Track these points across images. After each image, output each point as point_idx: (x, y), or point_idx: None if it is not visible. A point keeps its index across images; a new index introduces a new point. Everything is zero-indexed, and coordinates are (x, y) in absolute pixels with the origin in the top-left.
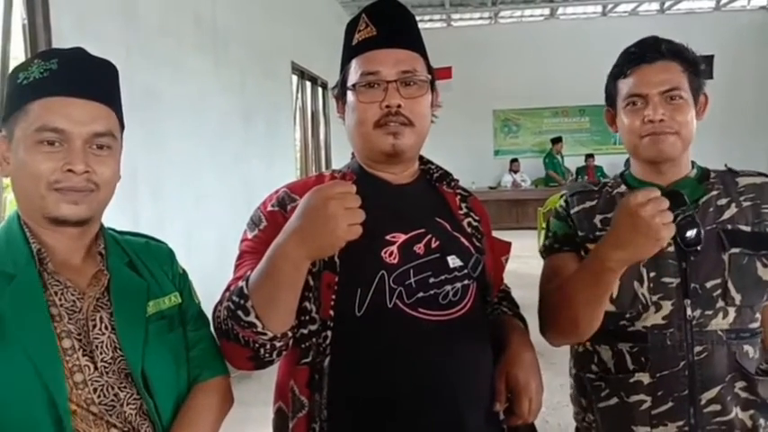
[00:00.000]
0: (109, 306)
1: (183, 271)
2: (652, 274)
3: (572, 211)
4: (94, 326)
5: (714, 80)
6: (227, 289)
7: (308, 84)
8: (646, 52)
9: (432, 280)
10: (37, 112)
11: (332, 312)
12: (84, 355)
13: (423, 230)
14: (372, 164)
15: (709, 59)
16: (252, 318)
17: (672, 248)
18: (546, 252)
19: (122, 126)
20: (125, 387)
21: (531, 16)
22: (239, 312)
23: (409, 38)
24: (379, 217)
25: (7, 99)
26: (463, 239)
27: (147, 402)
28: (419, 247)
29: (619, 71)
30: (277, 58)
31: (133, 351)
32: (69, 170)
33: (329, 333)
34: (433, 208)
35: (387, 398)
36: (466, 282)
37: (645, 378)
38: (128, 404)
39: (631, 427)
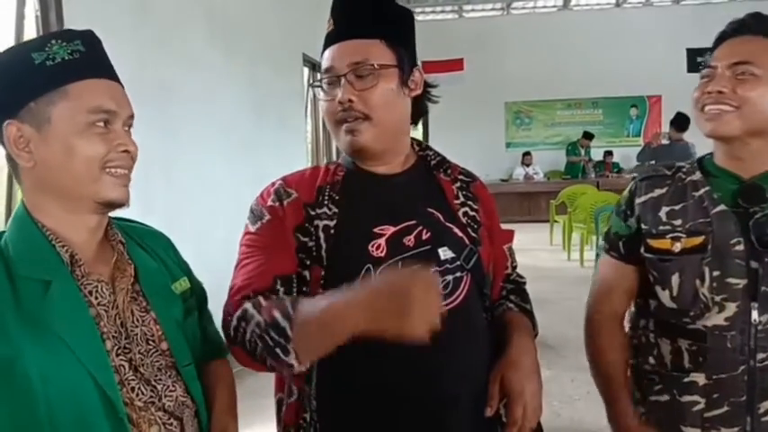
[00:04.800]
0: (137, 298)
1: (181, 256)
2: (716, 273)
3: (637, 201)
4: (128, 319)
5: None
6: (240, 289)
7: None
8: (734, 26)
9: None
10: (83, 93)
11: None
12: (118, 355)
13: (413, 222)
14: (353, 158)
15: None
16: (291, 359)
17: (741, 247)
18: (603, 250)
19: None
20: (160, 379)
21: (545, 7)
22: (278, 350)
23: (365, 26)
24: (368, 210)
25: (17, 83)
26: (457, 230)
27: (193, 388)
28: (409, 240)
29: (711, 52)
30: (288, 50)
31: (177, 339)
32: (125, 151)
33: None
34: (426, 198)
35: (372, 386)
36: (458, 274)
37: (700, 379)
38: (166, 396)
39: (680, 426)
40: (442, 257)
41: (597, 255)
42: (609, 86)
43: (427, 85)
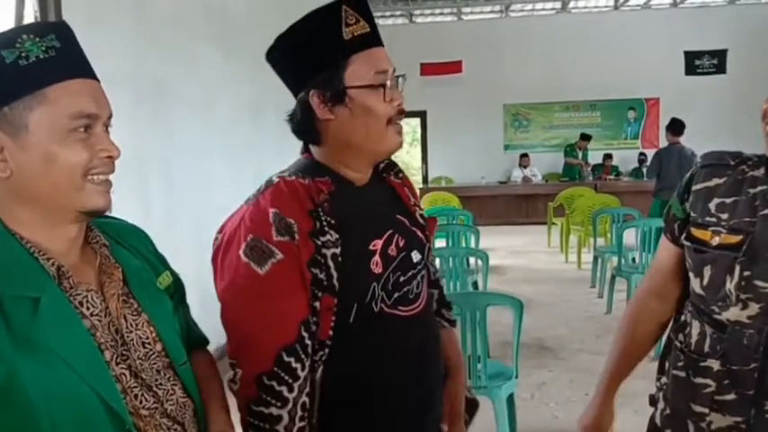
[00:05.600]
0: (127, 300)
1: (156, 248)
2: (746, 273)
3: (694, 187)
4: (122, 325)
5: (727, 74)
6: (266, 347)
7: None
8: None
9: (402, 278)
10: (62, 96)
11: (330, 333)
12: (118, 364)
13: (391, 231)
14: (357, 163)
15: (722, 54)
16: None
17: None
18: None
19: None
20: (161, 384)
21: (543, 9)
22: None
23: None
24: (360, 229)
25: None
26: (419, 232)
27: (191, 386)
28: (392, 249)
29: None
30: None
31: (171, 338)
32: (108, 156)
33: (325, 351)
34: (392, 206)
35: (390, 373)
36: (423, 273)
37: (715, 365)
38: (168, 401)
39: (690, 404)
40: (414, 260)
41: (595, 257)
42: (607, 89)
43: None
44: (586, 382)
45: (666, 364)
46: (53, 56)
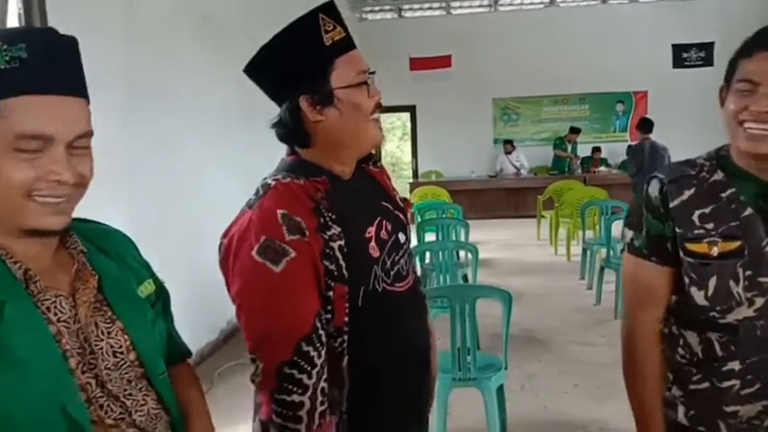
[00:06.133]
0: (100, 308)
1: (140, 254)
2: (748, 273)
3: (671, 205)
4: (92, 332)
5: (714, 67)
6: (285, 337)
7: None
8: None
9: (396, 257)
10: (12, 113)
11: (346, 319)
12: (84, 372)
13: (380, 217)
14: (344, 158)
15: (709, 47)
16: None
17: None
18: (634, 251)
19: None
20: (130, 394)
21: (531, 4)
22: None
23: None
24: (356, 219)
25: None
26: (401, 215)
27: (168, 398)
28: (383, 234)
29: (744, 49)
30: None
31: (148, 347)
32: (56, 180)
33: (345, 337)
34: (376, 194)
35: (396, 346)
36: (408, 251)
37: (736, 365)
38: (137, 411)
39: (722, 407)
40: (401, 241)
41: (584, 249)
42: (595, 82)
43: None
44: (576, 372)
45: (670, 376)
46: (15, 67)
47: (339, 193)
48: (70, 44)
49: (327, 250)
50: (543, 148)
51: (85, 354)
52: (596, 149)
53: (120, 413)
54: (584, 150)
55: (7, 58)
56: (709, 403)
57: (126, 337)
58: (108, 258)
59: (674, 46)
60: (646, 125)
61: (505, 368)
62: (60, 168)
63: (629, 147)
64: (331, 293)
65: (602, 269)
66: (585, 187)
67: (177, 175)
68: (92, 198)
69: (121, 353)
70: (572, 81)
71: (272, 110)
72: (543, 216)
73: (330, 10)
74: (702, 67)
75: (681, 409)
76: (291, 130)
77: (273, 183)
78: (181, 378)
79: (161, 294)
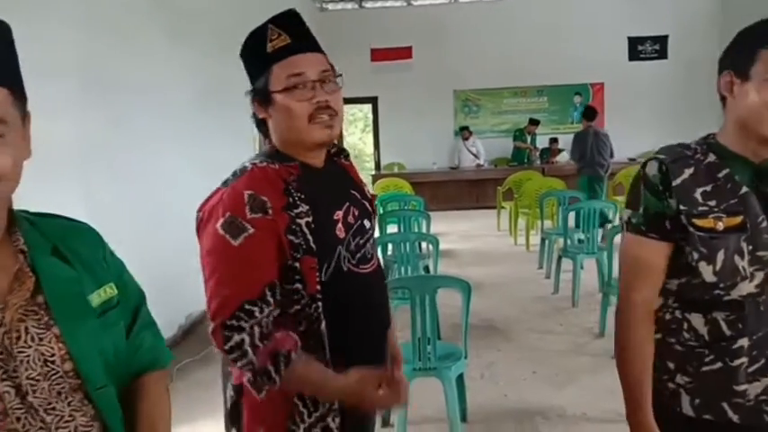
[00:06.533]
0: (37, 312)
1: (113, 253)
2: (749, 248)
3: (674, 183)
4: (18, 338)
5: (668, 60)
6: (229, 304)
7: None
8: None
9: (360, 241)
10: None
11: (318, 287)
12: (2, 380)
13: (348, 203)
14: (301, 152)
15: (663, 40)
16: (276, 386)
17: (765, 224)
18: (632, 229)
19: (23, 97)
20: (53, 409)
21: None
22: (262, 386)
23: (315, 42)
24: (325, 201)
25: None
26: (367, 204)
27: (108, 414)
28: (350, 218)
29: (765, 39)
30: (239, 40)
31: (87, 358)
32: None
33: (319, 303)
34: (346, 182)
35: (361, 333)
36: (372, 237)
37: (745, 342)
38: (59, 428)
39: (732, 386)
40: (367, 227)
41: (542, 239)
42: (554, 74)
43: None
44: (534, 360)
45: (671, 365)
46: None
47: (310, 178)
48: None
49: (293, 226)
50: (503, 139)
51: (9, 361)
52: (554, 140)
53: (39, 428)
54: (542, 142)
55: None
56: (719, 384)
57: (61, 345)
58: (59, 259)
59: (629, 39)
60: (590, 113)
61: (465, 357)
62: None
63: (575, 134)
64: (298, 264)
65: (559, 258)
66: (544, 178)
67: (135, 166)
68: (44, 187)
69: (53, 362)
70: (531, 73)
71: (232, 96)
72: (503, 207)
73: (284, 19)
74: (657, 60)
75: (686, 399)
76: (255, 123)
77: (251, 166)
78: (144, 391)
79: (127, 299)
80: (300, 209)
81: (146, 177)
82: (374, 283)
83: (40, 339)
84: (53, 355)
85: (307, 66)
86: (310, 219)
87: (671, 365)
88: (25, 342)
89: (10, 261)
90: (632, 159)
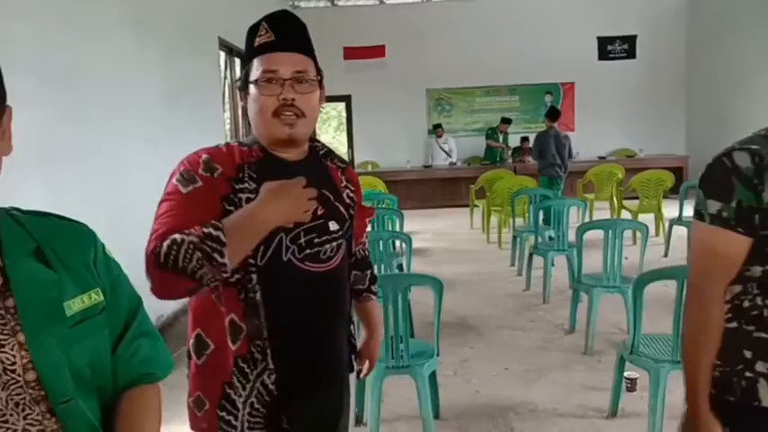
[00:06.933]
0: (3, 316)
1: (109, 256)
2: None
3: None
4: None
5: (637, 59)
6: (165, 232)
7: (237, 60)
8: None
9: (316, 240)
10: None
11: (251, 261)
12: None
13: (314, 199)
14: (272, 146)
15: (632, 40)
16: (225, 260)
17: None
18: (718, 222)
19: (1, 93)
20: (6, 421)
21: None
22: (215, 255)
23: (302, 44)
24: None
25: None
26: (342, 208)
27: (72, 429)
28: (308, 213)
29: None
30: (204, 34)
31: (53, 369)
32: None
33: (253, 276)
34: (321, 181)
35: (294, 322)
36: (339, 242)
37: None
38: None
39: None
40: (331, 229)
41: (514, 237)
42: (525, 74)
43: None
44: (506, 356)
45: (747, 354)
46: None
47: (273, 166)
48: None
49: (233, 196)
50: (476, 138)
51: None
52: (525, 139)
53: None
54: (514, 140)
55: None
56: None
57: (24, 353)
58: (39, 261)
59: (599, 39)
60: (553, 114)
61: (438, 355)
62: None
63: (537, 134)
64: None
65: (530, 256)
66: (516, 176)
67: (99, 162)
68: (7, 188)
69: (14, 371)
70: (503, 72)
71: (198, 90)
72: (476, 205)
73: (276, 18)
74: (626, 59)
75: (764, 389)
76: (242, 111)
77: (224, 143)
78: (128, 406)
79: (118, 306)
80: (245, 185)
81: (113, 177)
82: (325, 284)
83: (1, 346)
84: (13, 364)
85: (282, 64)
86: (252, 196)
87: (748, 354)
88: None
89: None
90: (602, 158)
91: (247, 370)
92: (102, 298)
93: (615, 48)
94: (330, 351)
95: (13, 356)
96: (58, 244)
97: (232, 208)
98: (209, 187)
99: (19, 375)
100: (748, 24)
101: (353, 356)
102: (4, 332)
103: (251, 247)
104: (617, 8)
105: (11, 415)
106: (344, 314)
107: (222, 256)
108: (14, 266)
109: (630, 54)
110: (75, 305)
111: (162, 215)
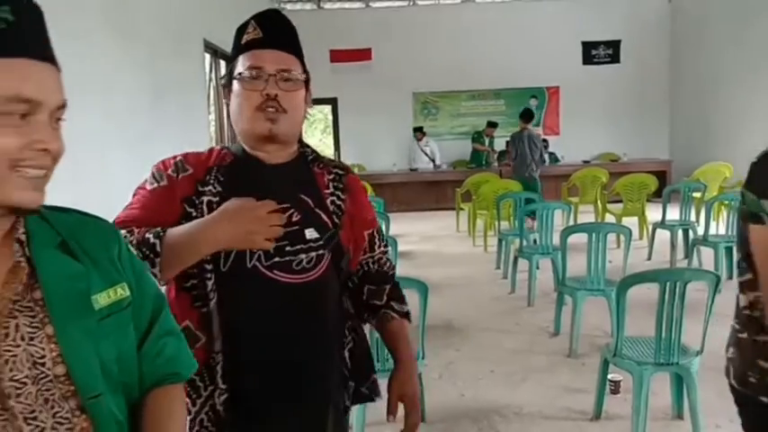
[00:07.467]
0: (32, 308)
1: (131, 253)
2: None
3: None
4: (7, 335)
5: (621, 64)
6: (121, 221)
7: (222, 62)
8: None
9: (288, 248)
10: (1, 73)
11: (207, 266)
12: None
13: (287, 205)
14: (253, 144)
15: (616, 44)
16: (156, 270)
17: None
18: None
19: None
20: (35, 418)
21: None
22: (147, 262)
23: (289, 43)
24: (247, 191)
25: None
26: (323, 215)
27: (103, 425)
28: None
29: None
30: (189, 36)
31: (82, 363)
32: (44, 149)
33: (208, 280)
34: (301, 185)
35: (256, 334)
36: (320, 252)
37: None
38: None
39: None
40: (308, 237)
41: (499, 240)
42: (510, 78)
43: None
44: (491, 359)
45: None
46: (2, 28)
47: (246, 170)
48: (40, 12)
49: (194, 198)
50: (462, 141)
51: None
52: (508, 143)
53: None
54: (500, 144)
55: None
56: None
57: (53, 346)
58: (68, 253)
59: (583, 43)
60: (527, 115)
61: (423, 357)
62: (47, 136)
63: (511, 136)
64: None
65: (516, 259)
66: (501, 180)
67: (81, 166)
68: None
69: (43, 364)
70: (488, 76)
71: (183, 93)
72: (462, 208)
73: (265, 16)
74: (610, 64)
75: None
76: (227, 112)
77: (210, 148)
78: (155, 404)
79: (143, 303)
80: (209, 188)
81: (90, 173)
82: (299, 298)
83: (31, 338)
84: (43, 357)
85: (267, 60)
86: (215, 199)
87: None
88: (13, 340)
89: (8, 254)
90: (586, 161)
91: (199, 383)
92: (128, 293)
93: (600, 52)
94: (302, 377)
95: (42, 349)
96: (82, 238)
97: (192, 210)
98: (172, 187)
99: (48, 369)
100: (730, 29)
101: (346, 390)
102: (33, 324)
103: (186, 265)
104: (601, 13)
105: (40, 412)
106: (329, 336)
107: (153, 265)
108: (42, 258)
109: (615, 59)
110: (102, 299)
111: (127, 206)
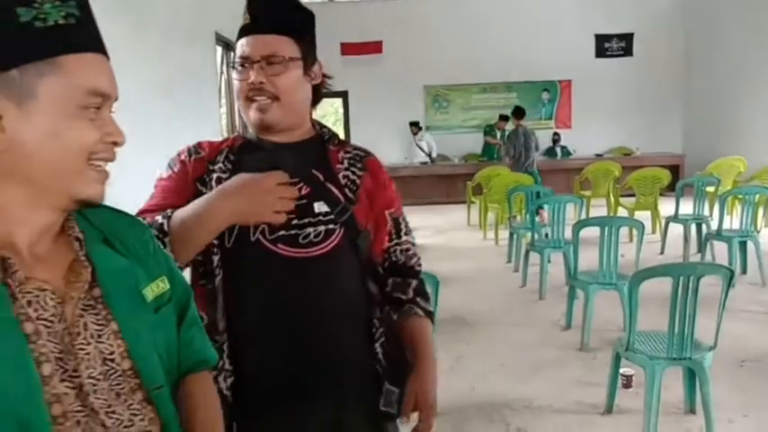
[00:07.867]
0: (94, 306)
1: (160, 246)
2: None
3: None
4: (78, 334)
5: (634, 57)
6: (141, 212)
7: (234, 55)
8: None
9: (294, 221)
10: (79, 69)
11: (215, 242)
12: (62, 381)
13: (296, 179)
14: (256, 133)
15: (629, 37)
16: (167, 251)
17: None
18: None
19: None
20: (113, 411)
21: None
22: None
23: (277, 24)
24: (255, 167)
25: None
26: (334, 189)
27: (166, 415)
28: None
29: None
30: (201, 29)
31: (146, 356)
32: (114, 142)
33: (215, 257)
34: (311, 160)
35: (259, 307)
36: (331, 226)
37: None
38: None
39: None
40: (317, 210)
41: (511, 234)
42: (522, 71)
43: (324, 76)
44: (501, 353)
45: None
46: (72, 24)
47: (255, 147)
48: (90, 6)
49: (206, 177)
50: (473, 134)
51: (70, 359)
52: (506, 141)
53: None
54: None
55: (63, 14)
56: None
57: (120, 342)
58: (112, 249)
59: (596, 36)
60: (519, 112)
61: None
62: (115, 130)
63: (508, 133)
64: None
65: (527, 252)
66: (512, 173)
67: None
68: None
69: (113, 360)
70: (500, 69)
71: (195, 88)
72: (473, 202)
73: (254, 1)
74: (623, 57)
75: None
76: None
77: (229, 137)
78: (192, 392)
79: (178, 294)
80: (219, 165)
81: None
82: (308, 272)
83: (99, 336)
84: (112, 353)
85: (252, 46)
86: (224, 176)
87: None
88: (85, 339)
89: (65, 252)
90: (599, 155)
91: None
92: (168, 286)
93: (612, 45)
94: (316, 361)
95: (111, 345)
96: (121, 233)
97: (203, 188)
98: (185, 170)
99: (117, 364)
100: (746, 22)
101: (384, 378)
102: (99, 322)
103: (198, 245)
104: (614, 6)
105: (117, 406)
106: (345, 312)
107: (164, 246)
108: (95, 254)
109: (628, 52)
110: (149, 293)
111: (149, 198)
